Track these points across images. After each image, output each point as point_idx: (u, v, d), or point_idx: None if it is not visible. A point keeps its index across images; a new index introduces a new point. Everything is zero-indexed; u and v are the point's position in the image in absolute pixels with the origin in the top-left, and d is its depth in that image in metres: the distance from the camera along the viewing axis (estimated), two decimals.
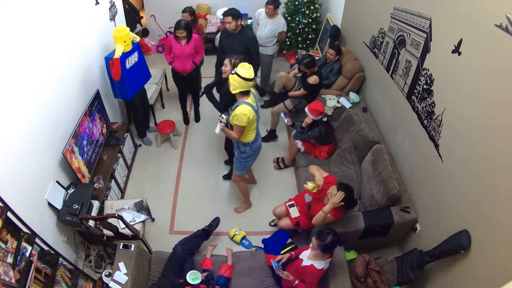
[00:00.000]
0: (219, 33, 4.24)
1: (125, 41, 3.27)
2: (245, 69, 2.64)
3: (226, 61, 2.97)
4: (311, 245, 2.38)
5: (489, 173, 2.11)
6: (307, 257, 2.45)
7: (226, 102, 2.96)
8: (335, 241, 2.30)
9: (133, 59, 3.50)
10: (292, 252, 2.65)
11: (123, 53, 3.31)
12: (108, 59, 3.33)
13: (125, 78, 3.42)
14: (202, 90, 3.13)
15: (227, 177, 3.91)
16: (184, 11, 4.31)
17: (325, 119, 3.54)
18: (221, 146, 3.82)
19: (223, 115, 2.82)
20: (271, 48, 4.60)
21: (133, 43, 3.46)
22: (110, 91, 3.91)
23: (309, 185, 2.78)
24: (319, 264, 2.37)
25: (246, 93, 2.76)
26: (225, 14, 3.67)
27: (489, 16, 2.03)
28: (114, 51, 3.34)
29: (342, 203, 2.63)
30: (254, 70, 4.01)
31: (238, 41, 3.77)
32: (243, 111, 2.69)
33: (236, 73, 2.63)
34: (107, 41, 3.67)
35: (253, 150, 3.03)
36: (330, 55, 4.29)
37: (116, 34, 3.23)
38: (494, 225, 2.07)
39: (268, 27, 4.41)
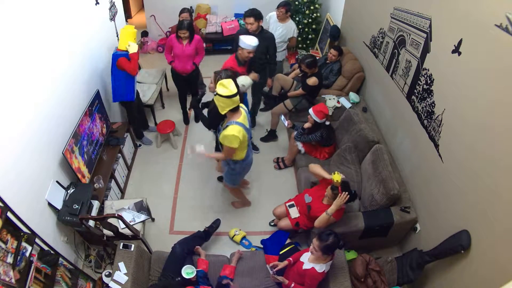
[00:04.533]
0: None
1: (135, 38, 3.37)
2: (224, 87, 2.49)
3: (212, 78, 2.96)
4: (311, 247, 2.38)
5: (489, 173, 2.11)
6: (308, 260, 2.45)
7: (213, 117, 2.90)
8: (336, 242, 2.30)
9: None
10: (290, 258, 2.65)
11: (124, 51, 3.34)
12: (118, 56, 3.31)
13: (131, 79, 3.47)
14: (189, 104, 3.12)
15: (221, 179, 3.90)
16: (183, 11, 4.29)
17: (327, 122, 3.53)
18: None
19: (191, 146, 2.83)
20: (280, 53, 4.50)
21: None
22: (110, 91, 3.91)
23: (338, 176, 2.70)
24: (320, 267, 2.36)
25: (235, 110, 2.62)
26: (247, 15, 3.65)
27: (489, 16, 2.03)
28: (116, 49, 3.35)
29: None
30: (270, 71, 4.04)
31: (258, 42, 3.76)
32: (233, 132, 2.55)
33: (217, 94, 2.52)
34: (107, 41, 3.67)
35: (243, 167, 3.00)
36: (333, 56, 4.28)
37: (130, 30, 3.33)
38: (494, 225, 2.07)
39: (278, 31, 4.33)
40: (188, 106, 4.57)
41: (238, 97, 2.56)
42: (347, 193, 2.63)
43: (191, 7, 5.85)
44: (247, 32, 3.79)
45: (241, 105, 2.77)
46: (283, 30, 4.36)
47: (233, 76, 2.96)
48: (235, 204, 3.65)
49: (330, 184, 2.75)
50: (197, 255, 2.92)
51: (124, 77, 3.44)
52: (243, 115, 2.70)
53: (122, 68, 3.37)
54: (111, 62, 3.39)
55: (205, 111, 3.27)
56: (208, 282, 2.69)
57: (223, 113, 2.61)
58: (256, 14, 3.62)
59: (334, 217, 2.74)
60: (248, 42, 3.31)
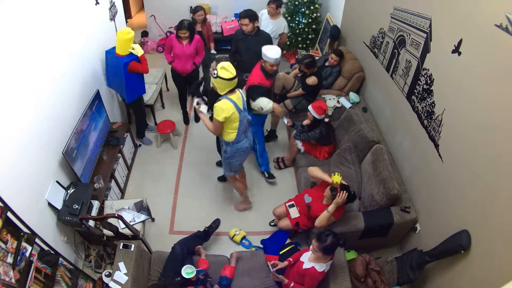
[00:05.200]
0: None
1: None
2: (226, 71, 2.61)
3: (214, 65, 2.98)
4: (311, 247, 2.38)
5: (489, 173, 2.11)
6: (308, 260, 2.45)
7: (213, 98, 2.93)
8: (335, 243, 2.30)
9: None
10: (290, 259, 2.65)
11: (129, 55, 3.40)
12: (128, 62, 3.36)
13: (138, 75, 3.55)
14: (189, 90, 3.13)
15: (221, 178, 3.91)
16: (197, 10, 4.29)
17: (327, 119, 3.53)
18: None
19: (198, 101, 2.85)
20: None
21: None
22: (110, 91, 3.91)
23: (338, 178, 2.72)
24: (320, 267, 2.36)
25: (231, 91, 2.74)
26: (241, 16, 3.65)
27: (489, 16, 2.03)
28: (116, 54, 3.37)
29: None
30: None
31: (254, 43, 3.75)
32: (220, 104, 2.67)
33: (218, 77, 2.61)
34: (107, 41, 3.67)
35: (234, 152, 2.97)
36: (334, 62, 4.26)
37: (129, 36, 3.33)
38: (494, 225, 2.08)
39: (269, 28, 4.38)
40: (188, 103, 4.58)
41: (236, 79, 2.65)
42: (345, 191, 2.63)
43: (191, 7, 5.87)
44: (242, 34, 3.79)
45: (240, 91, 2.85)
46: (273, 26, 4.41)
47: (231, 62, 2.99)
48: (236, 206, 3.63)
49: (330, 184, 2.75)
50: (197, 255, 2.92)
51: (136, 77, 3.54)
52: (236, 95, 2.77)
53: (134, 71, 3.44)
54: (122, 69, 3.40)
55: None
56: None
57: (222, 94, 2.70)
58: (250, 15, 3.63)
59: (334, 217, 2.75)
60: (269, 54, 3.16)
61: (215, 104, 2.69)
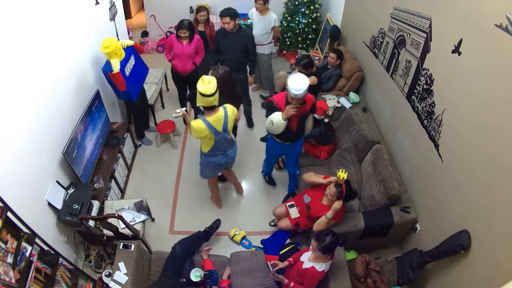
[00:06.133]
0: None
1: (116, 53, 3.18)
2: (202, 84, 2.49)
3: (210, 73, 2.97)
4: (311, 247, 2.38)
5: (489, 173, 2.11)
6: (308, 259, 2.45)
7: None
8: (335, 242, 2.30)
9: (130, 64, 3.44)
10: (290, 259, 2.65)
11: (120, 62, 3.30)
12: (107, 72, 3.27)
13: (128, 85, 3.38)
14: (187, 97, 3.10)
15: (221, 178, 3.90)
16: (200, 10, 4.31)
17: (326, 120, 3.53)
18: None
19: (183, 109, 2.81)
20: (267, 46, 4.59)
21: (125, 49, 3.37)
22: (110, 91, 3.91)
23: (344, 174, 2.70)
24: (320, 266, 2.37)
25: (210, 109, 2.65)
26: (222, 14, 3.66)
27: (489, 16, 2.03)
28: (108, 61, 3.27)
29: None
30: (251, 68, 4.04)
31: (236, 40, 3.77)
32: (193, 124, 2.66)
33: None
34: None
35: (206, 162, 3.02)
36: (331, 59, 4.25)
37: (106, 51, 3.11)
38: (494, 225, 2.07)
39: (260, 25, 4.43)
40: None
41: (212, 98, 2.54)
42: (341, 201, 2.66)
43: (191, 7, 5.87)
44: (224, 32, 3.79)
45: (228, 106, 2.75)
46: (264, 22, 4.43)
47: (228, 74, 2.94)
48: (211, 197, 3.70)
49: (328, 186, 2.75)
50: (198, 255, 2.92)
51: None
52: (215, 117, 2.69)
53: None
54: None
55: None
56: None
57: (197, 105, 2.65)
58: (231, 14, 3.64)
59: (334, 220, 2.75)
60: (290, 85, 2.63)
61: (191, 122, 2.68)
